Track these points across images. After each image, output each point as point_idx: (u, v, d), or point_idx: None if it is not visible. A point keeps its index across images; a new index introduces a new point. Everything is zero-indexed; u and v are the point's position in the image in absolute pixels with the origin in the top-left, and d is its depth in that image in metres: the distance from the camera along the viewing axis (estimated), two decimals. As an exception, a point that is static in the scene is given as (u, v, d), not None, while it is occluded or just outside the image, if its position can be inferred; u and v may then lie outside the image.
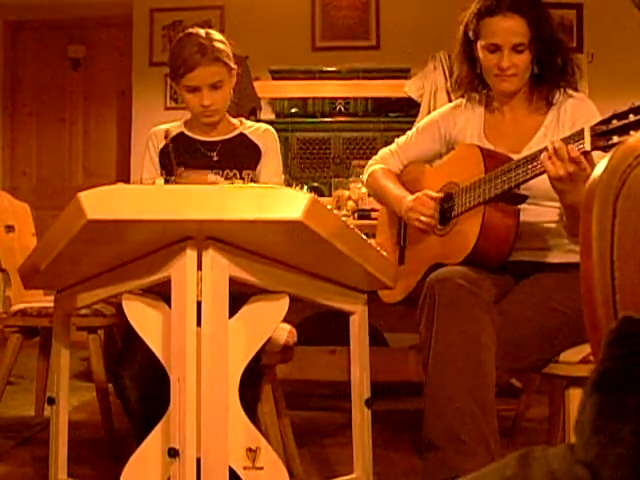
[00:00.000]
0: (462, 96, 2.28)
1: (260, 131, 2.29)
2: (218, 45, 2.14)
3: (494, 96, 2.19)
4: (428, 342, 1.85)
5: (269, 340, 1.97)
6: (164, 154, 2.22)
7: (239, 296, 1.53)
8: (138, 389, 1.88)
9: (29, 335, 2.93)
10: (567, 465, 0.65)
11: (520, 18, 2.02)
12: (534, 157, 1.86)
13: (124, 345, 1.99)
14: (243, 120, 2.32)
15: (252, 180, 2.18)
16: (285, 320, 1.93)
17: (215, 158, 2.22)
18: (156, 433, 1.50)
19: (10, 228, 2.99)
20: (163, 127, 2.28)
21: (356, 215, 3.30)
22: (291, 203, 1.34)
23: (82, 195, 1.33)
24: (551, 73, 2.08)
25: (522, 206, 2.01)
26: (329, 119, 4.43)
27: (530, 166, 1.87)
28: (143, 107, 5.33)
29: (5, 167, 5.75)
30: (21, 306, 2.84)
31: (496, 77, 2.09)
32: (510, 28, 2.03)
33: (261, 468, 1.49)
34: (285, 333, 2.18)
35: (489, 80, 2.14)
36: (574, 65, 2.11)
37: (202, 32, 2.15)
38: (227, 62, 2.16)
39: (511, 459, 0.69)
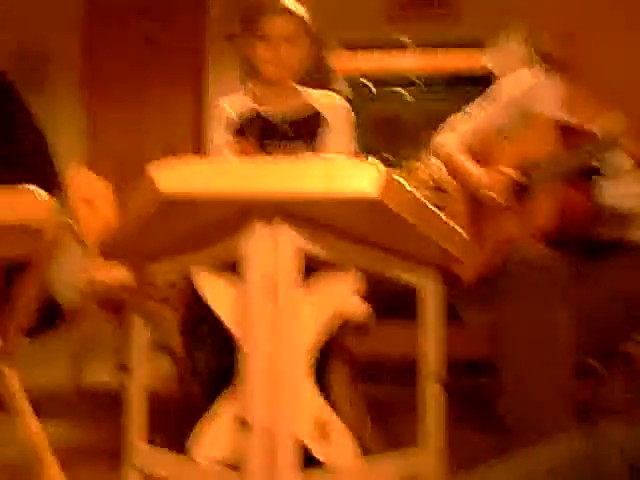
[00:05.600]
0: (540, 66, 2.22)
1: (329, 102, 2.27)
2: (299, 7, 2.13)
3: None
4: (503, 321, 1.82)
5: (341, 313, 1.97)
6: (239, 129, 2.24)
7: (311, 270, 1.53)
8: (209, 361, 1.91)
9: (108, 306, 3.01)
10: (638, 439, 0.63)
11: None
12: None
13: (195, 318, 2.02)
14: (309, 90, 2.30)
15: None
16: (358, 294, 1.92)
17: (291, 134, 2.20)
18: (226, 403, 1.52)
19: (90, 203, 3.07)
20: (230, 100, 2.28)
21: (430, 188, 3.25)
22: (363, 176, 1.32)
23: (153, 169, 1.35)
24: None
25: (599, 182, 1.94)
26: (404, 91, 4.38)
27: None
28: (218, 82, 5.38)
29: (86, 144, 5.90)
30: (100, 278, 2.91)
31: None
32: None
33: (331, 440, 1.49)
34: (358, 307, 2.17)
35: None
36: None
37: None
38: (306, 23, 2.14)
39: (580, 435, 0.68)
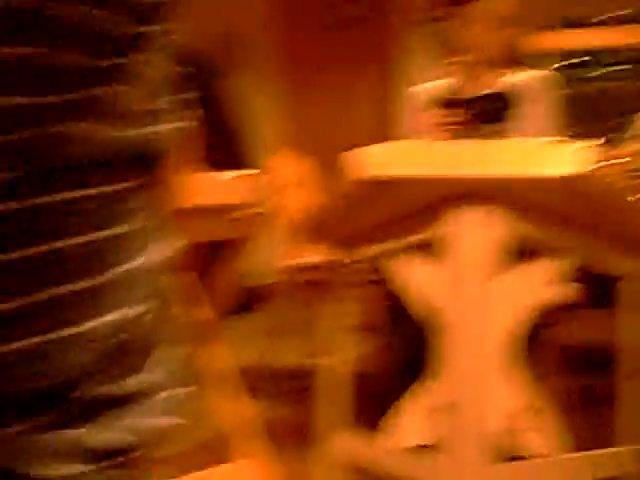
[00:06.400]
0: None
1: (528, 81, 2.21)
2: None
3: None
4: None
5: (548, 299, 1.91)
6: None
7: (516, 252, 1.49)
8: (406, 343, 1.92)
9: (310, 287, 3.09)
10: None
11: None
12: None
13: (393, 301, 2.03)
14: (508, 72, 2.25)
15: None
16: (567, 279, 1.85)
17: (490, 116, 2.18)
18: (421, 388, 1.52)
19: (295, 186, 3.16)
20: (426, 86, 2.29)
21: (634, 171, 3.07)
22: (566, 159, 1.28)
23: (358, 153, 1.37)
24: None
25: None
26: (613, 68, 4.15)
27: None
28: (407, 67, 5.38)
29: (288, 127, 6.09)
30: (302, 260, 3.00)
31: None
32: None
33: (537, 429, 1.45)
34: (561, 293, 2.09)
35: None
36: None
37: None
38: (515, 5, 2.16)
39: None
